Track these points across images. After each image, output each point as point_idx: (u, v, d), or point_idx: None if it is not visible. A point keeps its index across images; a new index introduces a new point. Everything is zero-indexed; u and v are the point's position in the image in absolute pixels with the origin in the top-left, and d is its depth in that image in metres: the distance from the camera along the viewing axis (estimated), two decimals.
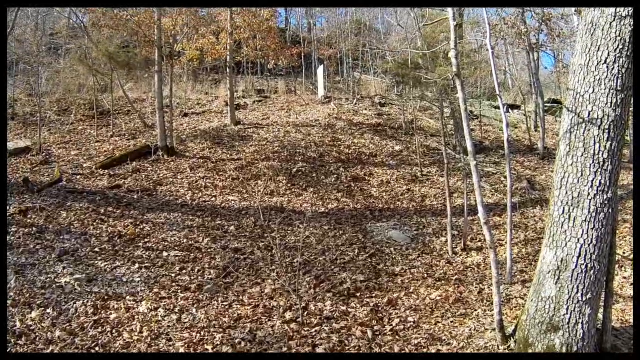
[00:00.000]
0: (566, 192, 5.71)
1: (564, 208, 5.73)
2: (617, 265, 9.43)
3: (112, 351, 5.82)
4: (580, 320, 5.76)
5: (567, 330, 5.77)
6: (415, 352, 6.14)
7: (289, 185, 11.92)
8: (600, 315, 6.31)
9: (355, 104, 19.36)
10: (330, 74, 24.49)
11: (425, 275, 8.65)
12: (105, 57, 16.00)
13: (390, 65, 20.86)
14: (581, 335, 5.78)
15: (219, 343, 6.00)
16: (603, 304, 6.42)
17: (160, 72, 14.23)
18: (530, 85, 22.46)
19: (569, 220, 5.68)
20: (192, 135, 15.13)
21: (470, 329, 6.76)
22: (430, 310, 7.36)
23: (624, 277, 9.23)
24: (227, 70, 17.19)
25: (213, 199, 11.10)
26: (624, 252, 10.15)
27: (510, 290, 8.20)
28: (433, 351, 6.16)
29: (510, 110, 22.65)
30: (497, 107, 21.80)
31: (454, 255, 9.54)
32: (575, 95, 5.71)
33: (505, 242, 8.78)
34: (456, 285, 8.25)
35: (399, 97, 19.36)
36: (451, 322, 7.01)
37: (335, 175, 12.69)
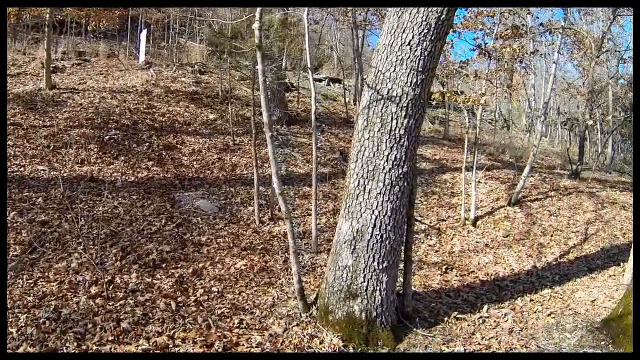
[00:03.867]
0: (362, 166, 5.91)
1: (359, 181, 5.94)
2: (423, 234, 9.98)
3: None
4: (378, 288, 6.03)
5: (366, 297, 6.01)
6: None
7: (100, 153, 11.39)
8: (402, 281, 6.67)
9: (175, 71, 18.87)
10: (156, 39, 23.79)
11: (232, 244, 8.70)
12: None
13: (208, 34, 20.59)
14: (379, 301, 6.07)
15: (23, 325, 5.63)
16: (403, 271, 6.77)
17: None
18: (353, 61, 23.07)
19: (364, 193, 5.90)
20: None
21: (274, 298, 6.90)
22: (235, 280, 7.42)
23: (430, 245, 9.81)
24: (47, 29, 16.17)
25: (22, 169, 10.41)
26: (431, 222, 10.71)
27: (316, 259, 8.44)
28: (236, 321, 6.19)
29: (331, 84, 23.17)
30: (319, 80, 22.16)
31: (261, 224, 9.66)
32: (377, 73, 5.90)
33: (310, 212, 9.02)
34: (262, 255, 8.38)
35: (218, 66, 19.10)
36: (255, 291, 7.11)
37: (147, 144, 12.31)
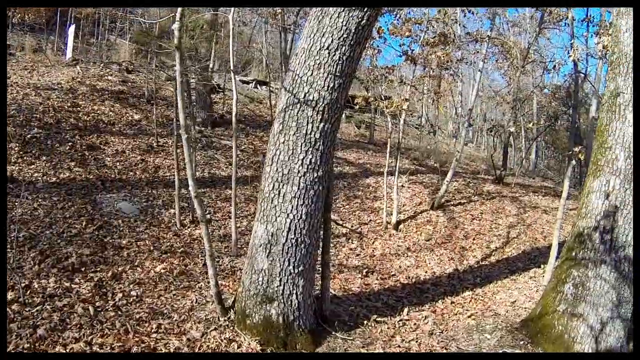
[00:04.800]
0: (277, 169, 5.91)
1: (274, 184, 5.94)
2: (345, 238, 10.02)
3: None
4: (295, 292, 6.05)
5: (282, 301, 6.02)
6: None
7: (21, 153, 10.99)
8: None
9: (103, 69, 18.40)
10: (85, 35, 23.20)
11: (152, 248, 8.54)
12: None
13: (135, 32, 20.22)
14: (296, 305, 6.09)
15: None
16: (321, 274, 6.80)
17: None
18: (280, 64, 23.05)
19: (279, 196, 5.90)
20: None
21: (192, 302, 6.81)
22: (154, 283, 7.30)
23: (351, 249, 9.82)
24: None
25: None
26: (352, 226, 10.76)
27: (236, 263, 8.37)
28: (154, 325, 6.12)
29: (258, 87, 23.03)
30: (246, 82, 22.05)
31: (182, 227, 9.51)
32: (294, 76, 5.89)
33: (236, 215, 8.96)
34: (182, 258, 8.27)
35: (143, 65, 18.72)
36: (174, 295, 7.01)
37: (70, 144, 11.90)
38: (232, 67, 8.55)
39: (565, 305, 6.80)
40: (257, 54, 26.75)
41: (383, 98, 11.99)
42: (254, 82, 22.65)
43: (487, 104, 28.06)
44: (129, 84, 17.48)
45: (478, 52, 17.05)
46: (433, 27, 12.69)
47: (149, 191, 10.74)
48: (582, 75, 19.48)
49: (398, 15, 12.00)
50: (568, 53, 12.27)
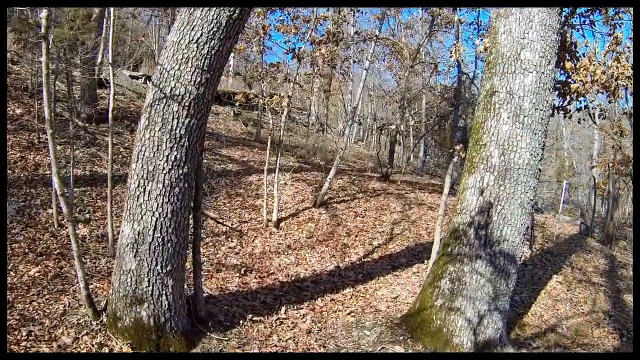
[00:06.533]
0: (142, 166, 5.75)
1: (139, 182, 5.77)
2: (224, 237, 9.91)
3: None
4: (164, 292, 5.91)
5: (152, 302, 5.88)
6: None
7: None
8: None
9: None
10: None
11: (27, 250, 8.14)
12: None
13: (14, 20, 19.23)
14: (167, 306, 5.96)
15: None
16: (193, 274, 6.68)
17: None
18: None
19: (144, 194, 5.74)
20: None
21: (65, 306, 6.54)
22: (27, 288, 6.96)
23: (230, 247, 9.70)
24: None
25: None
26: (232, 224, 10.64)
27: (113, 264, 8.12)
28: (24, 333, 5.82)
29: (148, 82, 22.40)
30: (136, 78, 21.45)
31: (59, 227, 9.10)
32: (162, 70, 5.76)
33: (115, 215, 8.71)
34: (57, 260, 7.93)
35: (22, 55, 17.70)
36: (47, 299, 6.71)
37: None
38: (110, 60, 8.29)
39: (443, 300, 6.97)
40: (149, 49, 26.14)
41: (266, 95, 11.90)
42: (144, 78, 22.02)
43: (377, 103, 28.48)
44: (12, 75, 16.55)
45: (363, 50, 17.23)
46: (320, 24, 12.72)
47: (27, 190, 10.22)
48: (470, 77, 20.11)
49: (286, 12, 11.93)
50: (451, 53, 12.61)
